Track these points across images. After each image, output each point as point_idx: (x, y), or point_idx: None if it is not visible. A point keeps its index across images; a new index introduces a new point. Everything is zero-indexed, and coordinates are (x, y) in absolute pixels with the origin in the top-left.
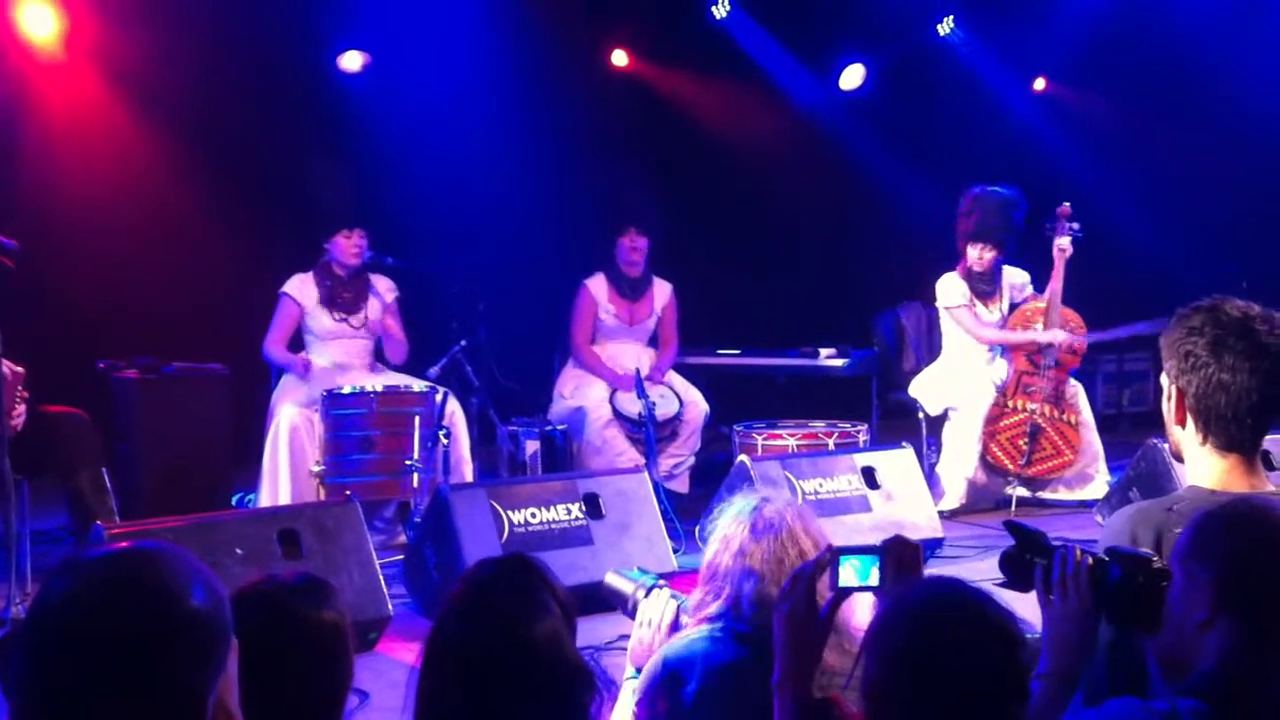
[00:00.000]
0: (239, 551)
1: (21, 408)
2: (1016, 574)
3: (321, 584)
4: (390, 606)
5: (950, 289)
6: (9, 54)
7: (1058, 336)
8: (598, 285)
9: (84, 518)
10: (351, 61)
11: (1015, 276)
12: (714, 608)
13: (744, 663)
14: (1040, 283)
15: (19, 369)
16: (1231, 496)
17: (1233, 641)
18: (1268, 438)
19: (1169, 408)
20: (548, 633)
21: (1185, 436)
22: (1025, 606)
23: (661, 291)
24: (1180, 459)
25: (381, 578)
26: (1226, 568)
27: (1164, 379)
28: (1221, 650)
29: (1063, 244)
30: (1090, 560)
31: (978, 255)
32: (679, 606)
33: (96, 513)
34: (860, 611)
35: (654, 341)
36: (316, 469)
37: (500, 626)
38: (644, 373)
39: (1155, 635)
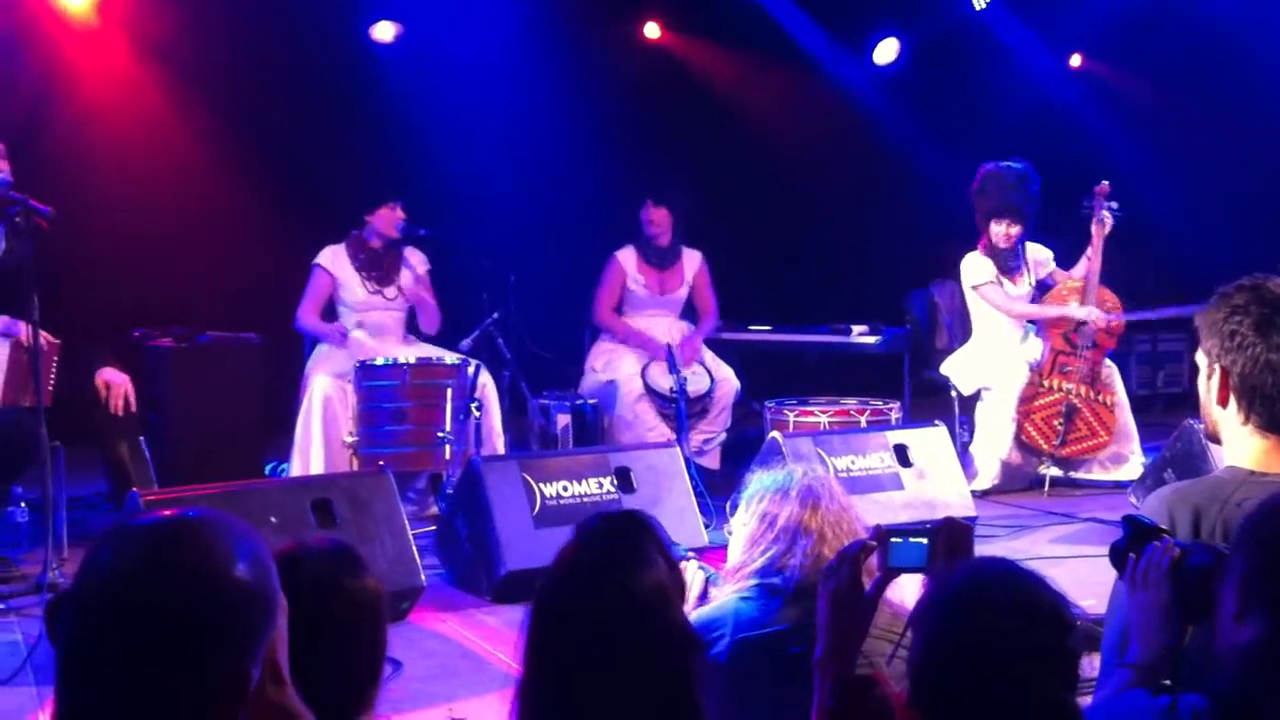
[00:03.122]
0: (273, 520)
1: (50, 379)
2: (1120, 566)
3: (356, 552)
4: (423, 577)
5: (976, 268)
6: (43, 23)
7: (1093, 314)
8: (627, 256)
9: (122, 485)
10: (384, 32)
11: (1039, 253)
12: (759, 563)
13: (776, 616)
14: (1067, 260)
15: (55, 340)
16: (1271, 478)
17: (1256, 637)
18: None
19: (1208, 387)
20: (648, 587)
21: (1225, 416)
22: (1083, 590)
23: (691, 261)
24: (1216, 440)
25: (414, 548)
26: (1257, 560)
27: (1200, 359)
28: (1245, 646)
29: (1103, 222)
30: (1177, 552)
31: (1003, 231)
32: (707, 579)
33: (135, 480)
34: (908, 590)
35: (688, 313)
36: (349, 440)
37: (596, 576)
38: (676, 345)
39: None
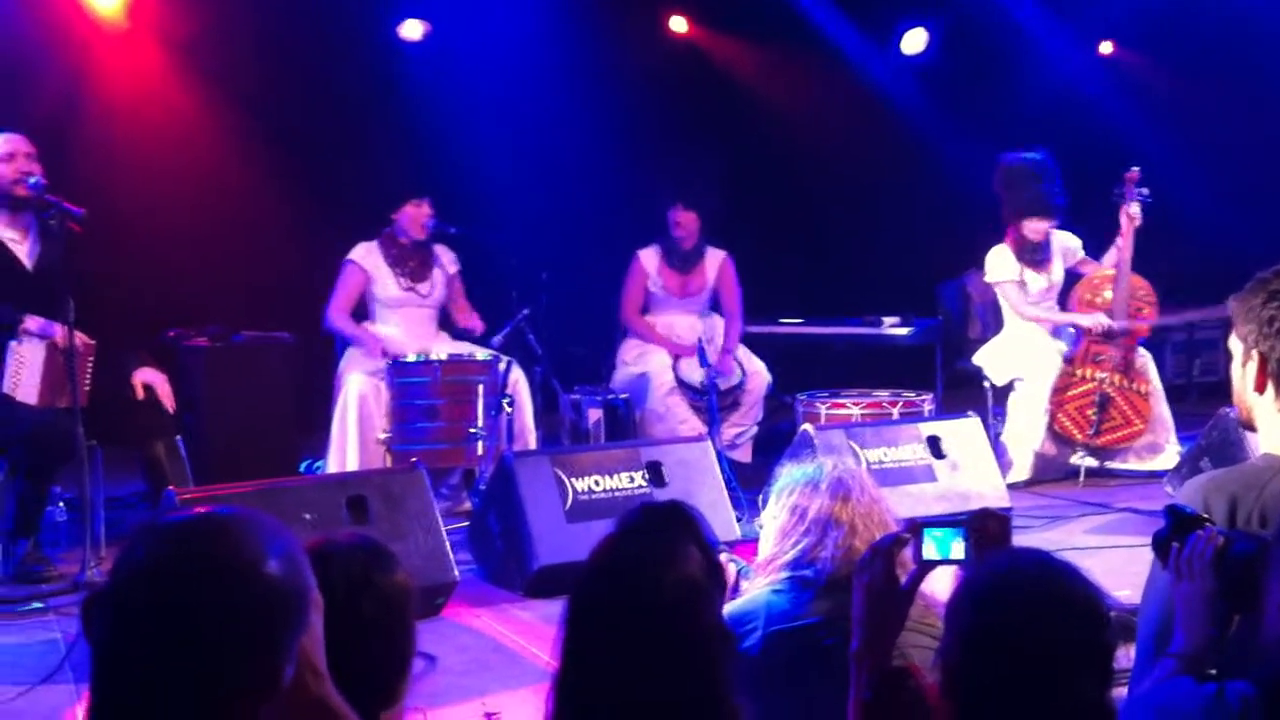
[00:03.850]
0: (308, 517)
1: (86, 379)
2: (1163, 556)
3: (385, 547)
4: (456, 572)
5: (1000, 263)
6: (73, 24)
7: (1100, 321)
8: (649, 256)
9: (159, 485)
10: (412, 30)
11: (1068, 240)
12: (790, 555)
13: (808, 609)
14: (1095, 248)
15: (90, 341)
16: None
17: None
18: None
19: (1244, 374)
20: (682, 581)
21: (1262, 403)
22: (1118, 580)
23: (714, 261)
24: (1250, 427)
25: (448, 544)
26: None
27: (1234, 345)
28: None
29: (1132, 211)
30: (1221, 540)
31: (1038, 227)
32: (739, 571)
33: (172, 479)
34: (940, 583)
35: (714, 310)
36: (383, 436)
37: (630, 568)
38: (706, 341)
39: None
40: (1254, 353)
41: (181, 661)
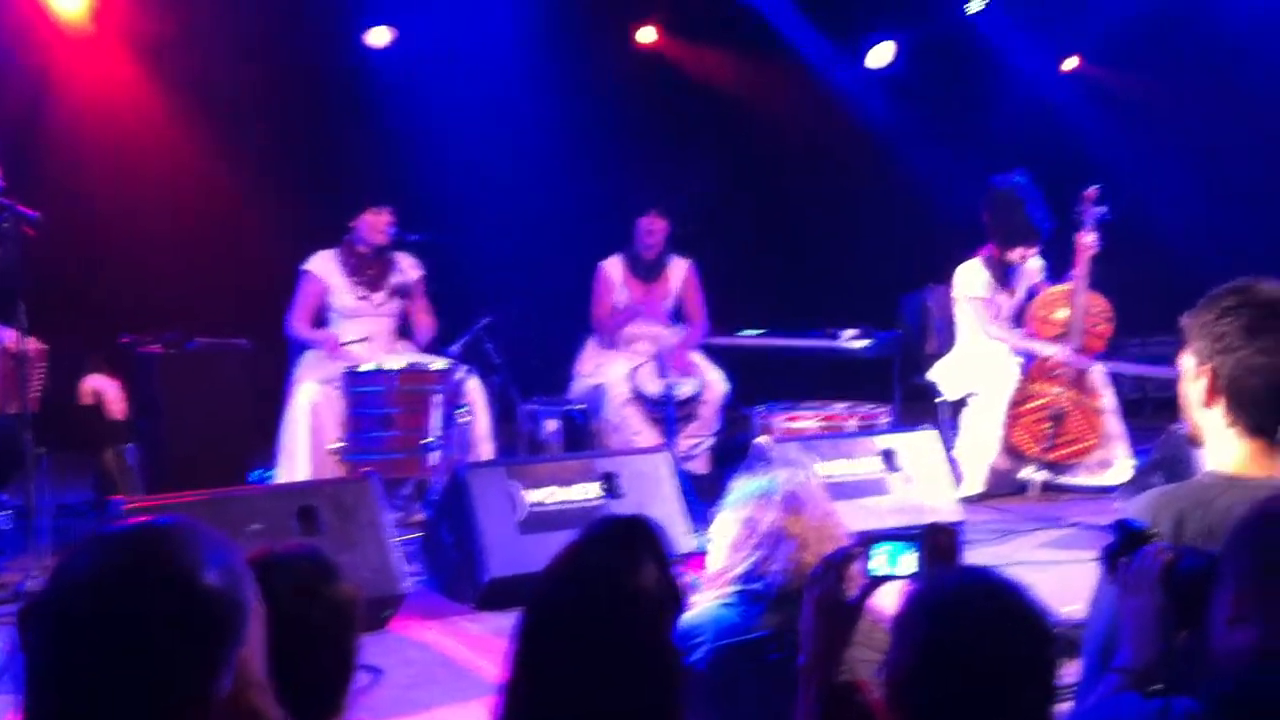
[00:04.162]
0: (256, 527)
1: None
2: (1112, 570)
3: (328, 557)
4: (406, 584)
5: (971, 279)
6: (38, 28)
7: (1062, 353)
8: (613, 267)
9: (109, 493)
10: (378, 37)
11: (1032, 262)
12: (740, 569)
13: (757, 623)
14: (1056, 258)
15: (42, 346)
16: (1252, 482)
17: (1249, 642)
18: None
19: (1195, 390)
20: (635, 594)
21: (1210, 419)
22: (1069, 595)
23: (678, 270)
24: (1198, 443)
25: (398, 555)
26: (1250, 566)
27: (1187, 361)
28: (1238, 651)
29: (1086, 240)
30: (1169, 556)
31: (1028, 253)
32: (689, 584)
33: (121, 488)
34: (890, 597)
35: (677, 319)
36: (336, 446)
37: (582, 579)
38: (666, 351)
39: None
40: (1204, 369)
41: (116, 672)
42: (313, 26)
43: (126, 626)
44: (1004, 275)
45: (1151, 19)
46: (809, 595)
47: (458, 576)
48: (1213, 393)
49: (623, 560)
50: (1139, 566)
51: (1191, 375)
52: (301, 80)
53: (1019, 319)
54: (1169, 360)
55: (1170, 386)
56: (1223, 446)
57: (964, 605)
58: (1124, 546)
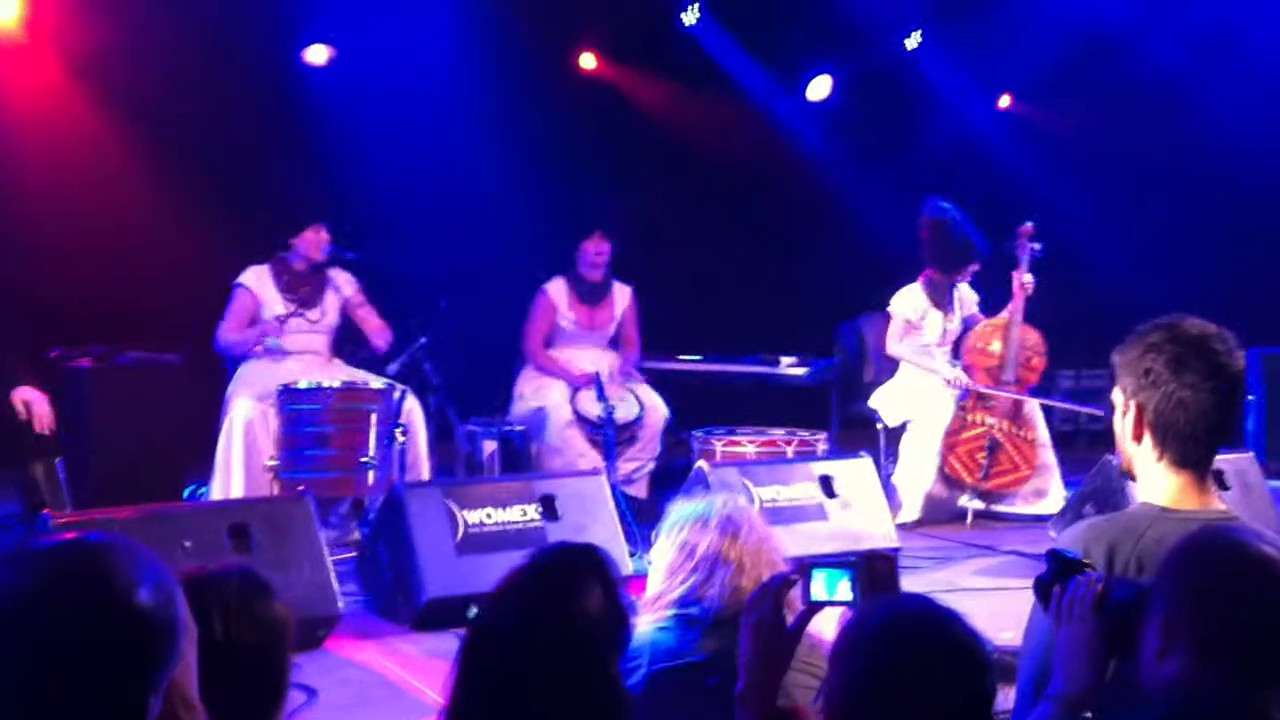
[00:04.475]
0: (187, 544)
1: None
2: (1045, 599)
3: (260, 576)
4: (340, 604)
5: (906, 300)
6: None
7: (961, 378)
8: (557, 290)
9: (36, 507)
10: (317, 55)
11: (967, 293)
12: (677, 593)
13: (694, 647)
14: (988, 295)
15: None
16: (1182, 514)
17: (1178, 673)
18: (1222, 457)
19: (1124, 423)
20: (578, 624)
21: (1140, 453)
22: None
23: (622, 295)
24: (1131, 476)
25: (333, 575)
26: (1177, 599)
27: (1116, 396)
28: (1167, 682)
29: (1025, 279)
30: (1101, 586)
31: (970, 270)
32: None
33: (49, 502)
34: (829, 623)
35: (615, 344)
36: (271, 464)
37: (526, 604)
38: (604, 375)
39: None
40: (1131, 404)
41: (43, 691)
42: (250, 42)
43: (57, 644)
44: (943, 298)
45: (1081, 58)
46: (746, 620)
47: (394, 597)
48: (1140, 427)
49: (569, 587)
50: (1071, 596)
51: (1120, 410)
52: (238, 95)
53: (957, 348)
54: (1100, 395)
55: (1100, 420)
56: (1153, 479)
57: (900, 634)
58: (1056, 576)
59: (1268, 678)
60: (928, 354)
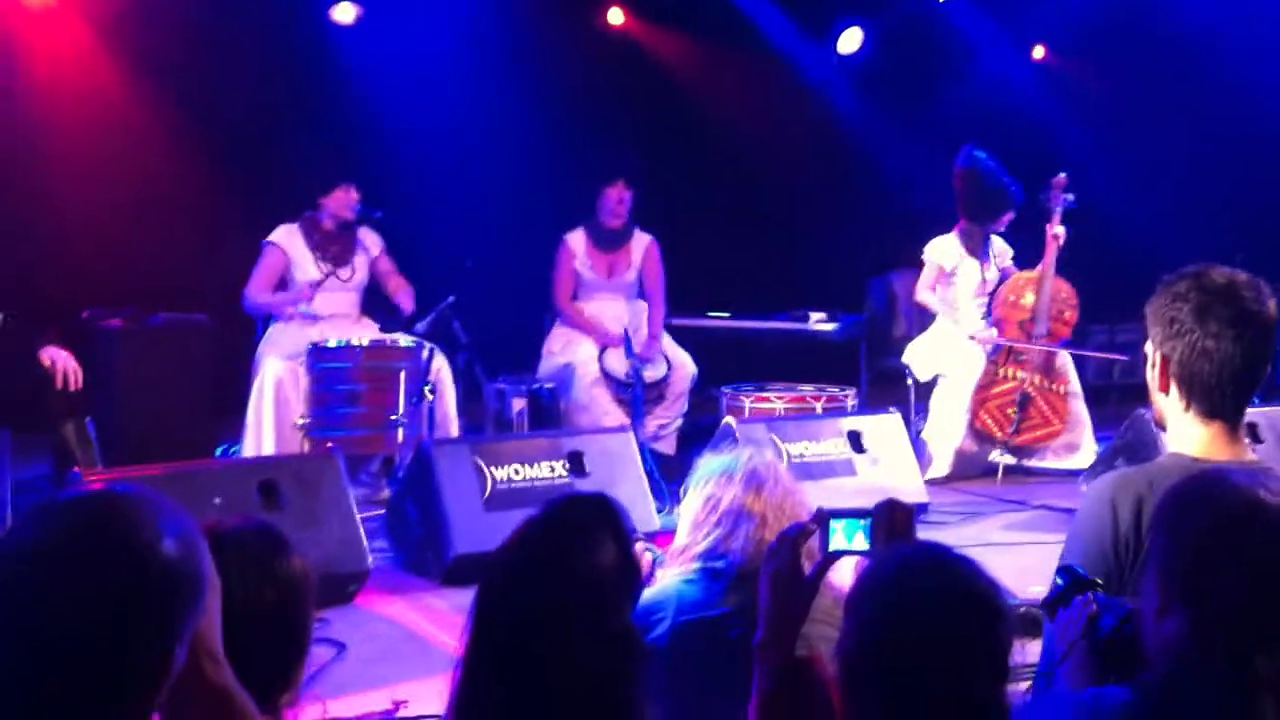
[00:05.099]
0: (217, 501)
1: None
2: (1052, 615)
3: (279, 531)
4: (370, 560)
5: (939, 247)
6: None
7: (991, 334)
8: (576, 239)
9: (66, 466)
10: (344, 14)
11: (1001, 246)
12: (702, 546)
13: (718, 600)
14: (1020, 247)
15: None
16: (1211, 465)
17: (1177, 630)
18: (1255, 410)
19: (1153, 375)
20: (589, 572)
21: (1169, 403)
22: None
23: (640, 243)
24: (1164, 427)
25: (362, 531)
26: (1171, 555)
27: (1148, 346)
28: (1168, 640)
29: (1056, 229)
30: (1094, 608)
31: (1006, 219)
32: (654, 560)
33: (80, 462)
34: (843, 572)
35: (641, 294)
36: (301, 422)
37: (537, 556)
38: (632, 331)
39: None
40: (1158, 354)
41: (72, 641)
42: (279, 1)
43: (82, 593)
44: (978, 248)
45: (1117, 8)
46: (765, 570)
47: (423, 553)
48: (1166, 377)
49: (580, 537)
50: (1066, 618)
51: (1150, 360)
52: (265, 55)
53: (992, 298)
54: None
55: (1134, 372)
56: (1182, 430)
57: (914, 580)
58: (1063, 594)
59: (1274, 628)
60: (953, 307)
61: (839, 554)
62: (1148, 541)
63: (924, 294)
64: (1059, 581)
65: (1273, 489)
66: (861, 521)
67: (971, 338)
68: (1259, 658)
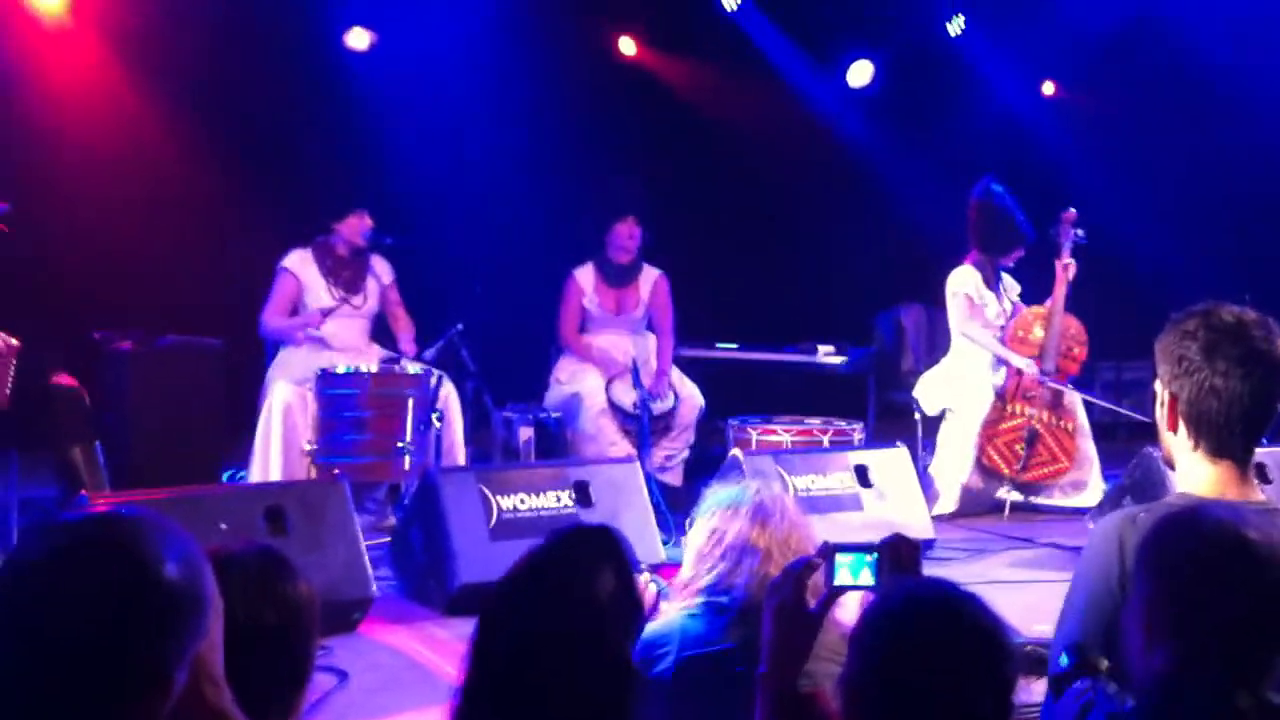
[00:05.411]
0: (223, 526)
1: (8, 381)
2: (1057, 694)
3: (284, 556)
4: (374, 587)
5: (964, 277)
6: (14, 19)
7: (1030, 367)
8: (585, 274)
9: (74, 488)
10: (358, 40)
11: (1010, 282)
12: (706, 580)
13: (723, 635)
14: (1029, 282)
15: (13, 342)
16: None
17: (1164, 665)
18: (1265, 450)
19: (1162, 413)
20: (588, 604)
21: (1177, 442)
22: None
23: (648, 279)
24: (1173, 466)
25: (367, 558)
26: (1153, 590)
27: (1157, 384)
28: (1157, 675)
29: (1066, 260)
30: (1090, 696)
31: (1016, 255)
32: (659, 592)
33: (88, 484)
34: (849, 608)
35: (651, 327)
36: (308, 448)
37: (538, 585)
38: (640, 362)
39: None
40: (1166, 392)
41: (70, 661)
42: (292, 25)
43: (83, 613)
44: (992, 280)
45: (1125, 43)
46: (769, 604)
47: (427, 581)
48: (1175, 415)
49: (580, 568)
50: (1063, 704)
51: (1159, 399)
52: (280, 79)
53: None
54: (1142, 387)
55: (1142, 409)
56: (1191, 470)
57: (919, 617)
58: (1067, 675)
59: (1255, 663)
60: (998, 341)
61: (844, 589)
62: (1133, 575)
63: (968, 327)
64: (1065, 661)
65: (1252, 521)
66: (868, 556)
67: (1016, 371)
68: (1240, 693)
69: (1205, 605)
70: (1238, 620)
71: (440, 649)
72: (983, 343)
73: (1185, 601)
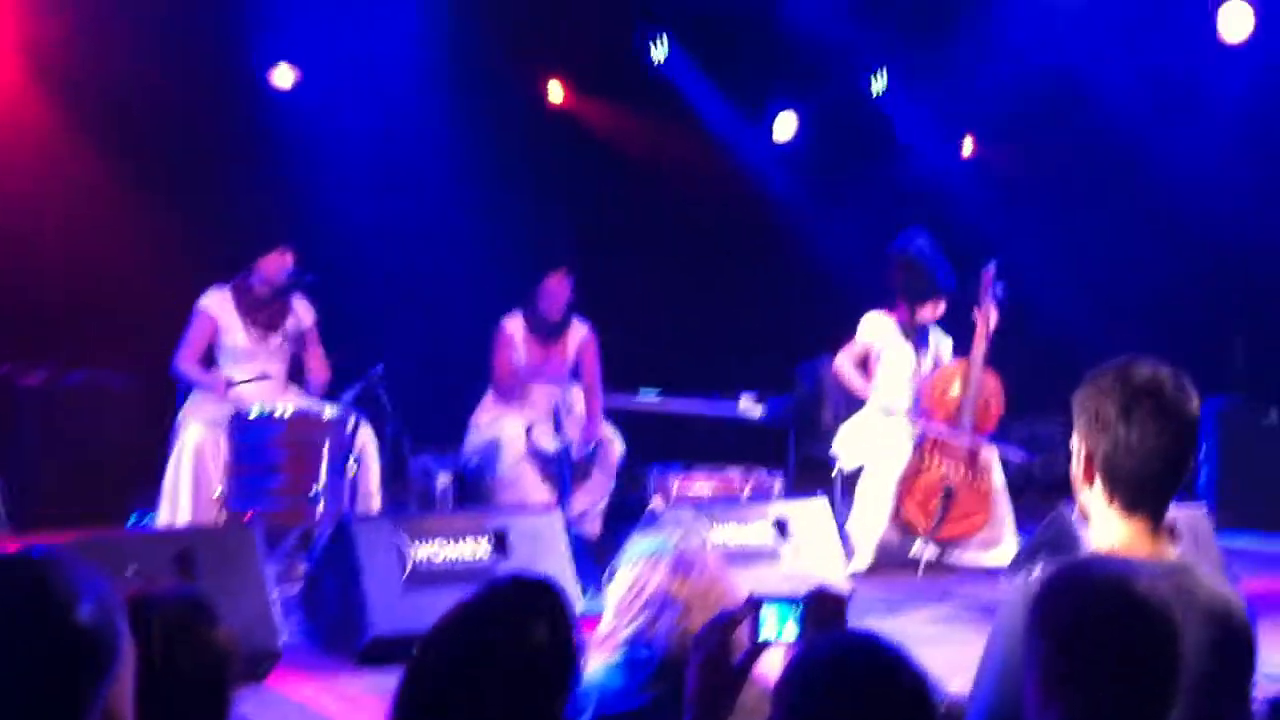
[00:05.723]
0: (130, 571)
1: None
2: None
3: (207, 601)
4: (284, 637)
5: (873, 323)
6: None
7: (918, 427)
8: (514, 325)
9: None
10: (283, 78)
11: (942, 339)
12: (626, 632)
13: (642, 689)
14: (956, 349)
15: None
16: (1134, 564)
17: None
18: (1173, 509)
19: (1078, 468)
20: (519, 658)
21: (1093, 497)
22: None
23: (576, 334)
24: (1089, 520)
25: (276, 608)
26: (1044, 651)
27: (1074, 439)
28: None
29: (988, 316)
30: None
31: (932, 311)
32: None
33: None
34: (773, 665)
35: (576, 376)
36: (219, 492)
37: (469, 633)
38: (563, 410)
39: None
40: (1083, 448)
41: None
42: (217, 58)
43: None
44: (917, 337)
45: (1042, 101)
46: (693, 658)
47: (338, 631)
48: (1090, 471)
49: (513, 620)
50: None
51: (1075, 454)
52: (204, 113)
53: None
54: (1054, 443)
55: (1054, 466)
56: (1105, 525)
57: (845, 670)
58: None
59: (1146, 719)
60: (876, 389)
61: (768, 644)
62: (1025, 634)
63: (844, 361)
64: None
65: (1191, 586)
66: (793, 608)
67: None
68: None
69: (1094, 662)
70: (1126, 676)
71: (351, 703)
72: (849, 380)
73: (1074, 658)
